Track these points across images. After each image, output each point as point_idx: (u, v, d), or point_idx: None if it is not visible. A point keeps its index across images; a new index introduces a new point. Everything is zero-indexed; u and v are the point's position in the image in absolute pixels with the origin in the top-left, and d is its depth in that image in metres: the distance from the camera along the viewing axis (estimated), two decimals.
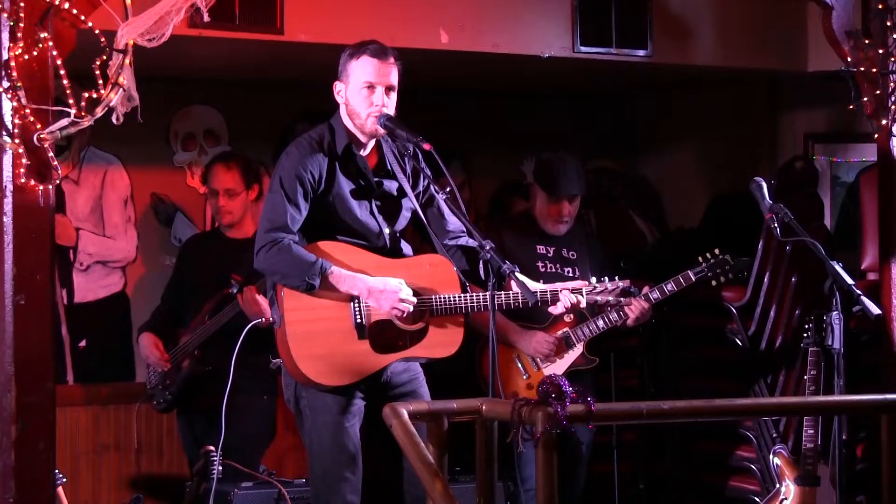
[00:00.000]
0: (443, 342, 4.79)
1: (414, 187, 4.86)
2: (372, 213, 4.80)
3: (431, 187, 4.87)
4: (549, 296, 4.79)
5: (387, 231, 4.82)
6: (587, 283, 4.92)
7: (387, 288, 4.66)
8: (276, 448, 6.56)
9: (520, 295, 4.70)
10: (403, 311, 4.68)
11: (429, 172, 4.83)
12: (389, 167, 4.84)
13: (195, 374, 6.00)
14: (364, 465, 4.80)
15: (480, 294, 4.75)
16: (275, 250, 4.59)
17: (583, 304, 4.87)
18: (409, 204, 4.86)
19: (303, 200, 4.66)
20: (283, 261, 4.59)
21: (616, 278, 4.99)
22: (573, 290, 4.82)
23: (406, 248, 4.89)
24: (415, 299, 4.70)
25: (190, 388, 6.05)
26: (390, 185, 4.84)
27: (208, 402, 5.78)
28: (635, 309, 5.72)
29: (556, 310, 4.86)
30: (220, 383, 5.31)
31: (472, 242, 4.82)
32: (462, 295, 4.77)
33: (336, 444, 4.71)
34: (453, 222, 4.89)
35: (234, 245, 6.10)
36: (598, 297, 4.93)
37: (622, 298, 5.02)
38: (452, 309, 4.76)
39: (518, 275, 4.67)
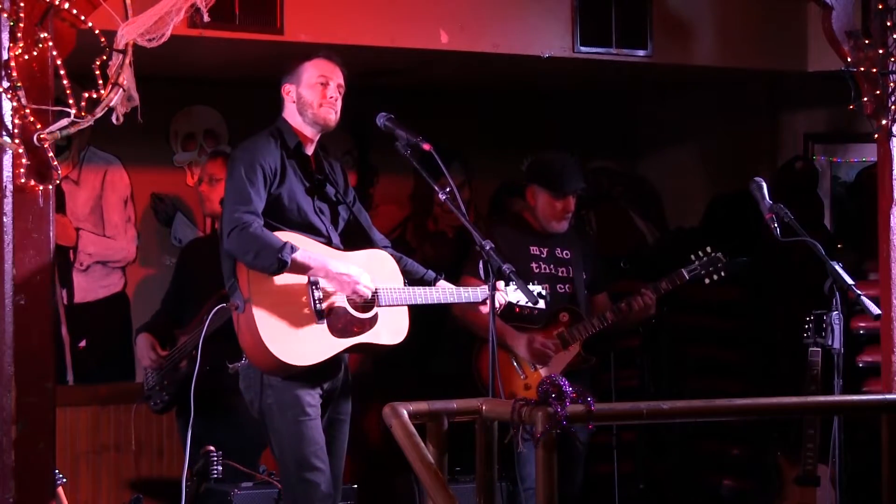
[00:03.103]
0: (391, 330, 4.93)
1: (344, 199, 5.06)
2: (317, 212, 4.92)
3: (357, 203, 5.11)
4: (480, 296, 4.99)
5: (332, 231, 4.95)
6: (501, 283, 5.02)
7: (349, 273, 4.79)
8: None
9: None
10: (361, 297, 4.81)
11: (353, 192, 5.12)
12: (328, 173, 5.01)
13: (193, 374, 5.99)
14: None
15: (425, 288, 4.99)
16: (247, 231, 4.65)
17: (503, 302, 4.99)
18: (345, 214, 5.04)
19: (263, 188, 4.77)
20: (255, 241, 4.65)
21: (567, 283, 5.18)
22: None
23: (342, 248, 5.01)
24: (373, 286, 4.84)
25: (188, 388, 6.03)
26: (329, 190, 5.01)
27: (207, 402, 5.76)
28: (640, 300, 5.80)
29: (485, 309, 4.96)
30: (219, 383, 5.30)
31: (395, 254, 5.10)
32: (407, 288, 4.96)
33: (306, 436, 4.77)
34: (378, 235, 5.15)
35: None
36: (518, 298, 5.03)
37: (539, 301, 5.08)
38: (398, 300, 4.93)
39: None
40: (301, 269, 4.72)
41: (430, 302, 5.00)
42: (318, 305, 4.76)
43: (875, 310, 5.27)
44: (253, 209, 4.71)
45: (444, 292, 5.02)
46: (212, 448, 5.29)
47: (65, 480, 4.93)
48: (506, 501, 5.82)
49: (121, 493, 6.79)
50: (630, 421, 5.59)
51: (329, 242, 4.91)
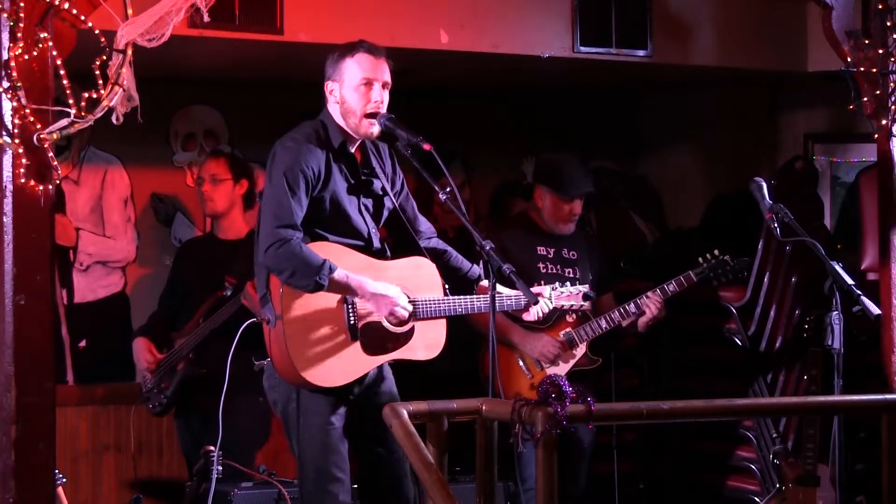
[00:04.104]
0: (427, 345, 4.83)
1: (391, 187, 4.91)
2: (361, 211, 4.82)
3: (405, 189, 4.96)
4: (523, 303, 4.86)
5: (373, 230, 4.85)
6: (546, 288, 4.96)
7: (388, 294, 4.69)
8: (274, 448, 6.56)
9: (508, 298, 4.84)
10: (398, 318, 4.72)
11: (401, 174, 4.93)
12: (374, 165, 4.87)
13: (190, 377, 6.00)
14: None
15: (465, 298, 4.83)
16: (285, 248, 4.56)
17: (546, 311, 4.90)
18: (389, 204, 4.90)
19: (304, 195, 4.65)
20: (293, 259, 4.56)
21: (577, 283, 5.11)
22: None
23: (385, 248, 4.91)
24: (411, 307, 4.74)
25: (186, 390, 6.04)
26: (376, 185, 4.88)
27: (205, 403, 5.77)
28: (652, 307, 5.79)
29: (528, 316, 4.93)
30: (216, 385, 5.30)
31: (441, 245, 4.97)
32: (447, 298, 4.83)
33: (330, 445, 4.71)
34: (424, 224, 5.00)
35: (229, 247, 6.10)
36: (563, 302, 5.00)
37: (584, 303, 5.09)
38: (437, 312, 4.81)
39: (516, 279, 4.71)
40: (339, 288, 4.63)
41: (470, 312, 4.86)
42: (350, 321, 4.69)
43: (875, 310, 5.28)
44: (293, 223, 4.60)
45: (485, 301, 4.80)
46: (212, 448, 5.28)
47: (65, 480, 4.93)
48: (506, 501, 5.82)
49: (121, 493, 6.80)
50: (630, 421, 5.59)
51: (370, 247, 4.80)
